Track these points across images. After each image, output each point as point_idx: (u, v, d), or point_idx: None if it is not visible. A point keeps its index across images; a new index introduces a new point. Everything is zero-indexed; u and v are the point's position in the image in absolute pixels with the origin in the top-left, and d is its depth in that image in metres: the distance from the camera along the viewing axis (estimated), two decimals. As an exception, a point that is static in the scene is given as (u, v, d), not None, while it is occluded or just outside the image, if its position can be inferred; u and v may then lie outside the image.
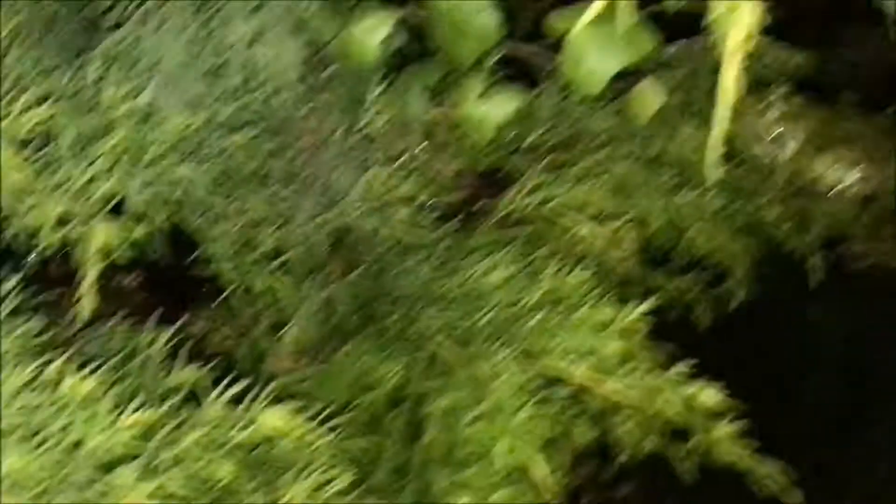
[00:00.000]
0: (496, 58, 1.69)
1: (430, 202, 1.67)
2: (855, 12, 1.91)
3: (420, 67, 1.61)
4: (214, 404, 1.28)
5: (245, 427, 1.27)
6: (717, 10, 1.19)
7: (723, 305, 1.66)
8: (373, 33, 1.49)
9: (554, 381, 1.47)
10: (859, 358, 1.66)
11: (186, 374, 1.33)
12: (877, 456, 1.57)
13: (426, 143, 1.70)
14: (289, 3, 1.33)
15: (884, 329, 1.68)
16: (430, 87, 1.62)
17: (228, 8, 1.30)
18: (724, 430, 1.44)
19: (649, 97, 1.73)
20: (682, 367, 1.46)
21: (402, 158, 1.59)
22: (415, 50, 1.69)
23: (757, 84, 1.87)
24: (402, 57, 1.66)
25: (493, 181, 1.75)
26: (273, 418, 1.27)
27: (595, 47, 1.62)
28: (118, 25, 1.33)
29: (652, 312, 1.53)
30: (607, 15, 1.62)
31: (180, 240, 1.47)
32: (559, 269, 1.52)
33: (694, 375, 1.47)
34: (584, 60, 1.63)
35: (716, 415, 1.45)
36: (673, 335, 1.55)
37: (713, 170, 1.20)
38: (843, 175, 1.78)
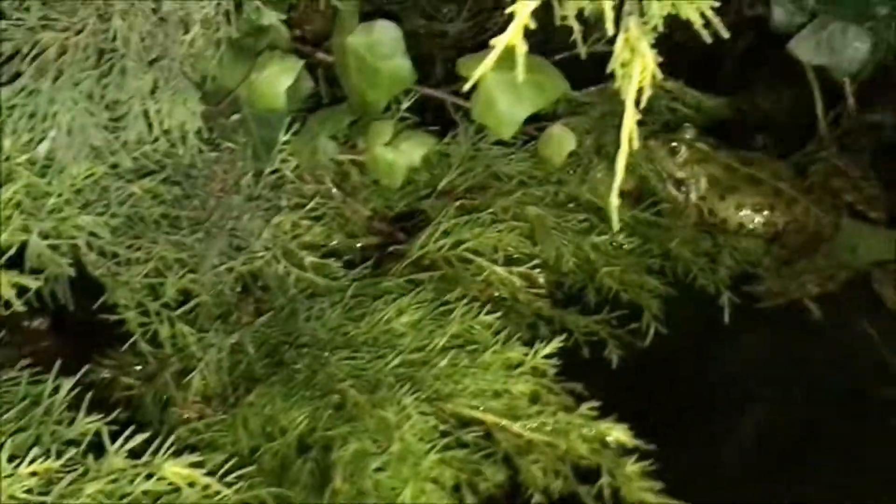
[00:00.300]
0: (409, 102, 1.72)
1: (342, 246, 1.68)
2: (770, 61, 1.94)
3: (330, 112, 1.62)
4: (117, 454, 1.27)
5: (148, 477, 1.26)
6: (617, 59, 1.21)
7: (635, 344, 1.67)
8: (278, 80, 1.50)
9: (463, 423, 1.47)
10: (772, 394, 1.67)
11: (90, 423, 1.31)
12: (791, 495, 1.58)
13: (338, 187, 1.71)
14: (188, 53, 1.33)
15: (793, 364, 1.70)
16: (341, 131, 1.63)
17: (125, 61, 1.30)
18: (633, 468, 1.45)
19: (560, 141, 1.75)
20: (591, 406, 1.47)
21: (312, 203, 1.60)
22: (326, 93, 1.71)
23: (669, 127, 1.90)
24: (316, 100, 1.68)
25: (408, 225, 1.75)
26: (176, 468, 1.27)
27: (504, 92, 1.64)
28: (18, 75, 1.33)
29: (563, 352, 1.55)
30: (512, 60, 1.65)
31: (87, 286, 1.47)
32: (467, 312, 1.53)
33: (604, 414, 1.48)
34: (494, 105, 1.65)
35: (625, 453, 1.46)
36: (584, 374, 1.56)
37: (615, 217, 1.22)
38: (750, 216, 1.81)
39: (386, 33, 1.62)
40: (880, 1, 1.76)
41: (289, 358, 1.50)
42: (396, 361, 1.48)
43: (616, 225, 1.23)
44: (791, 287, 1.75)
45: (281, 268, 1.53)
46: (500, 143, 1.78)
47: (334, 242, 1.68)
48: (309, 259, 1.55)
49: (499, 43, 1.10)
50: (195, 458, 1.26)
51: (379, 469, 1.39)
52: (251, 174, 1.56)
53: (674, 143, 1.82)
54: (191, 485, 1.26)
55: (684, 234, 1.78)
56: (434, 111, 1.82)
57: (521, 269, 1.67)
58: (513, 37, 1.09)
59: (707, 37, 1.20)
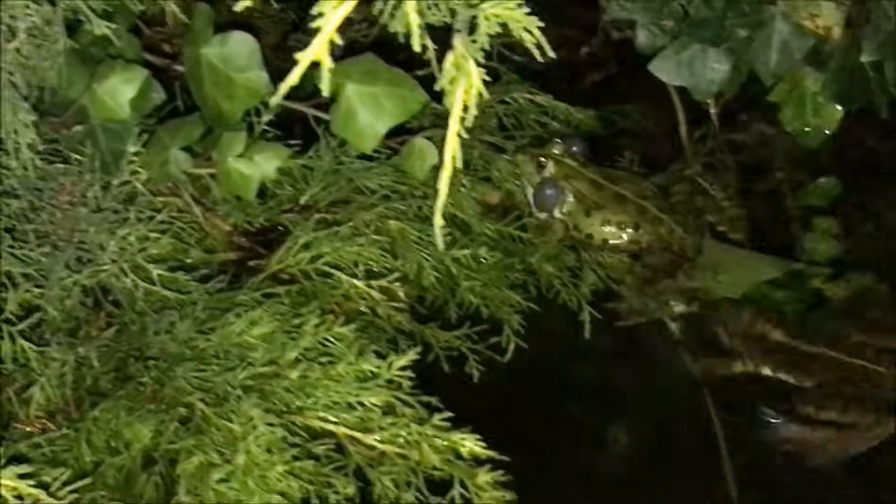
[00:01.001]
0: (269, 115, 1.70)
1: (200, 261, 1.66)
2: (644, 85, 1.96)
3: (181, 123, 1.60)
4: (-56, 467, 1.24)
5: (-26, 490, 1.23)
6: (446, 76, 1.21)
7: (496, 358, 1.67)
8: (120, 90, 1.49)
9: (315, 435, 1.46)
10: (629, 409, 1.68)
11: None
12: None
13: (198, 201, 1.69)
14: (16, 62, 1.31)
15: (649, 381, 1.71)
16: (194, 143, 1.61)
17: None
18: (485, 478, 1.44)
19: (422, 155, 1.75)
20: (444, 417, 1.46)
21: (168, 217, 1.58)
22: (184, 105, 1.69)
23: (540, 141, 1.91)
24: (174, 112, 1.66)
25: (269, 239, 1.74)
26: (3, 479, 1.24)
27: (364, 106, 1.64)
28: None
29: (423, 366, 1.54)
30: (372, 73, 1.65)
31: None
32: (321, 324, 1.51)
33: (460, 426, 1.47)
34: (355, 119, 1.65)
35: (479, 464, 1.45)
36: (444, 388, 1.55)
37: (439, 236, 1.21)
38: (614, 233, 1.81)
39: (241, 45, 1.61)
40: (738, 24, 1.78)
41: (136, 371, 1.47)
42: (246, 374, 1.46)
43: (441, 244, 1.23)
44: (652, 306, 1.76)
45: (129, 281, 1.51)
46: (363, 156, 1.77)
47: (191, 257, 1.66)
48: (160, 273, 1.52)
49: (304, 58, 1.09)
50: (24, 469, 1.22)
51: (224, 481, 1.37)
52: (99, 186, 1.53)
53: (541, 159, 1.83)
54: (19, 497, 1.22)
55: (548, 249, 1.78)
56: (303, 124, 1.81)
57: (381, 282, 1.66)
58: (318, 52, 1.08)
59: (539, 56, 1.21)
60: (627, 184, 1.85)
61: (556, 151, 1.85)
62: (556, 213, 1.82)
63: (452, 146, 1.18)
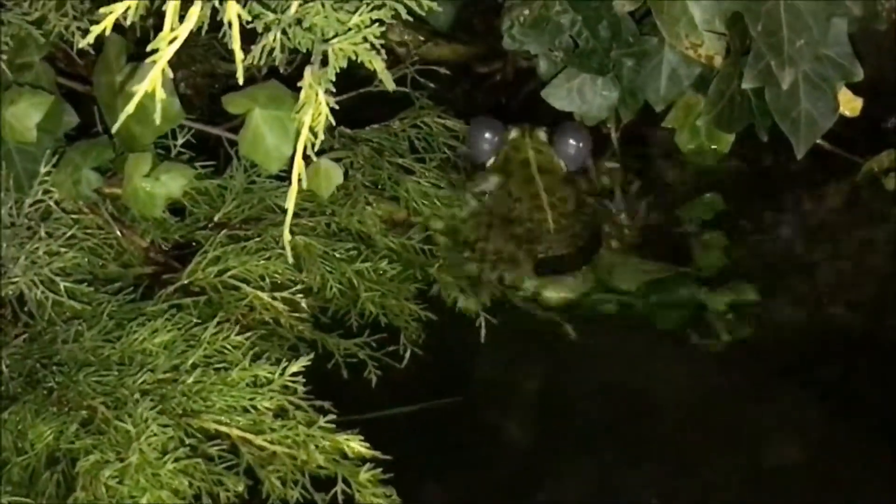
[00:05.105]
0: (184, 138, 1.82)
1: (117, 275, 1.77)
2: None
3: (92, 144, 1.71)
4: None
5: None
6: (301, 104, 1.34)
7: (394, 366, 1.77)
8: (27, 115, 1.60)
9: (210, 437, 1.57)
10: (520, 411, 1.78)
11: None
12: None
13: (116, 219, 1.80)
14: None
15: (546, 381, 1.82)
16: (105, 163, 1.73)
17: None
18: (367, 475, 1.55)
19: (327, 175, 1.85)
20: (330, 420, 1.57)
21: (72, 231, 1.69)
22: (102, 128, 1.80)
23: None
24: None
25: (184, 255, 1.85)
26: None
27: (269, 129, 1.75)
28: None
29: (322, 371, 1.66)
30: (277, 99, 1.76)
31: None
32: (218, 332, 1.63)
33: (348, 428, 1.58)
34: (263, 141, 1.76)
35: (361, 462, 1.56)
36: (343, 392, 1.66)
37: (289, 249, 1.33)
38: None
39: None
40: (623, 54, 1.89)
41: (43, 377, 1.58)
42: (145, 379, 1.57)
43: (289, 253, 1.46)
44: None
45: (39, 293, 1.62)
46: (275, 177, 1.88)
47: (108, 271, 1.77)
48: (67, 285, 1.64)
49: (139, 89, 1.21)
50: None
51: (117, 478, 1.47)
52: (13, 204, 1.65)
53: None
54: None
55: (444, 259, 1.90)
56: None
57: (285, 294, 1.77)
58: (152, 82, 1.20)
59: (389, 86, 1.34)
60: None
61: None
62: None
63: (298, 166, 1.30)
